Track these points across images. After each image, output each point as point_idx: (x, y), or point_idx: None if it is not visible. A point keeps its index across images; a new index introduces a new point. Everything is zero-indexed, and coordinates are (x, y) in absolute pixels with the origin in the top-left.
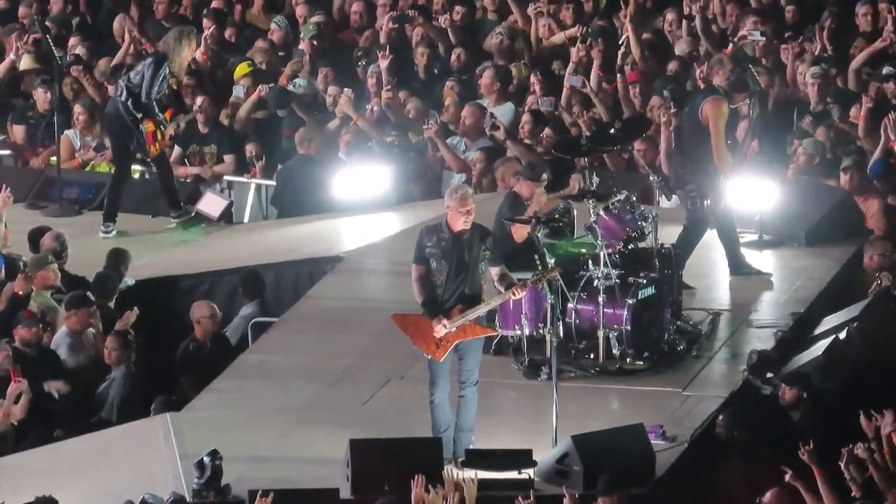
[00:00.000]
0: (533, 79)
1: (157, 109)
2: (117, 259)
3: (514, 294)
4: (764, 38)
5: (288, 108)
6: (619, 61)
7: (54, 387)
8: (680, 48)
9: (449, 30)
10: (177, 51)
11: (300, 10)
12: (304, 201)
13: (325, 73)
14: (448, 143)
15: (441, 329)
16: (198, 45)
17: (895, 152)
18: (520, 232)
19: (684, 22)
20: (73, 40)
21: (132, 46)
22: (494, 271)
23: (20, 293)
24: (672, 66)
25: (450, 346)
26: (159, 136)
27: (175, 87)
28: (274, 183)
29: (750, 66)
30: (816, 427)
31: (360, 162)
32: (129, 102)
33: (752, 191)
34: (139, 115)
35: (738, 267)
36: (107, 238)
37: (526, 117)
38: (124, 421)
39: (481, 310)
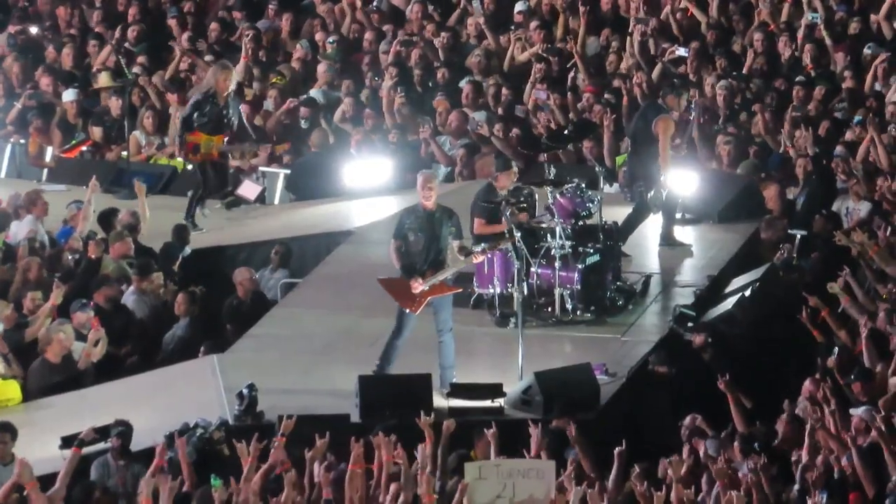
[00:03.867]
0: (505, 91)
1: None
2: (180, 232)
3: (473, 260)
4: (688, 55)
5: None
6: (569, 81)
7: None
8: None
9: (440, 50)
10: (217, 80)
11: (319, 35)
12: (315, 188)
13: (347, 85)
14: (437, 141)
15: (418, 286)
16: (229, 76)
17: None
18: (491, 228)
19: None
20: (141, 59)
21: (182, 59)
22: (456, 243)
23: (93, 257)
24: (616, 83)
25: (424, 302)
26: (200, 150)
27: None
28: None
29: (675, 80)
30: (723, 365)
31: (368, 156)
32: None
33: (678, 179)
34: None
35: (667, 239)
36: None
37: (499, 122)
38: (183, 361)
39: (448, 272)
